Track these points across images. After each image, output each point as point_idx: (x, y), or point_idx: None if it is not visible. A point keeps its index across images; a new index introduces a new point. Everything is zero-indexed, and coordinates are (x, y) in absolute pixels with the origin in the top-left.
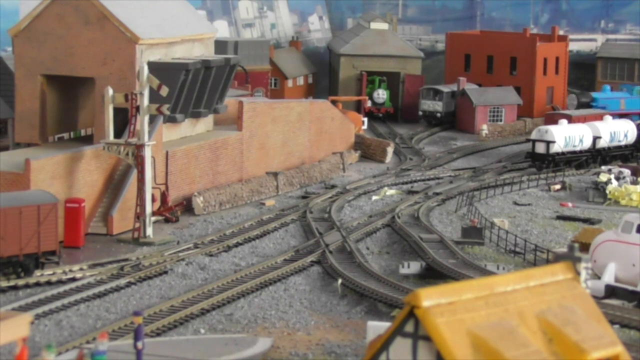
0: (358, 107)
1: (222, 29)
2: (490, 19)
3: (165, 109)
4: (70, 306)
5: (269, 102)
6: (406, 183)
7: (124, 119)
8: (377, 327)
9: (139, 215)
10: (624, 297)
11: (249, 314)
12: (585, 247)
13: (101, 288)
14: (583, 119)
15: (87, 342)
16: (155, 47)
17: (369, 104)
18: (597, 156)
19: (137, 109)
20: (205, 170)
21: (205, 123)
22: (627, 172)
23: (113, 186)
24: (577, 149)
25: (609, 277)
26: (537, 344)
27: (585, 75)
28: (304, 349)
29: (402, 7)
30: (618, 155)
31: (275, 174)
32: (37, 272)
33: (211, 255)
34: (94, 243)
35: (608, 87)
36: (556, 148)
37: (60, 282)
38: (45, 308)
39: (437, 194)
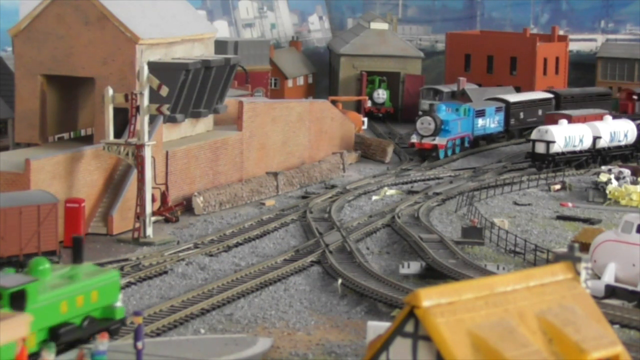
0: (358, 107)
1: (222, 29)
2: (490, 19)
3: (165, 109)
4: None
5: (269, 102)
6: (406, 183)
7: (124, 119)
8: (377, 327)
9: (139, 215)
10: (624, 297)
11: (249, 314)
12: (585, 247)
13: None
14: (583, 119)
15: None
16: (155, 47)
17: (369, 104)
18: (597, 156)
19: (137, 109)
20: (205, 170)
21: (205, 123)
22: (627, 172)
23: (113, 186)
24: (577, 149)
25: (609, 277)
26: (537, 344)
27: (585, 75)
28: (304, 349)
29: (402, 7)
30: (618, 155)
31: (275, 174)
32: None
33: (211, 255)
34: (94, 243)
35: (443, 106)
36: (556, 148)
37: None
38: None
39: (437, 194)
